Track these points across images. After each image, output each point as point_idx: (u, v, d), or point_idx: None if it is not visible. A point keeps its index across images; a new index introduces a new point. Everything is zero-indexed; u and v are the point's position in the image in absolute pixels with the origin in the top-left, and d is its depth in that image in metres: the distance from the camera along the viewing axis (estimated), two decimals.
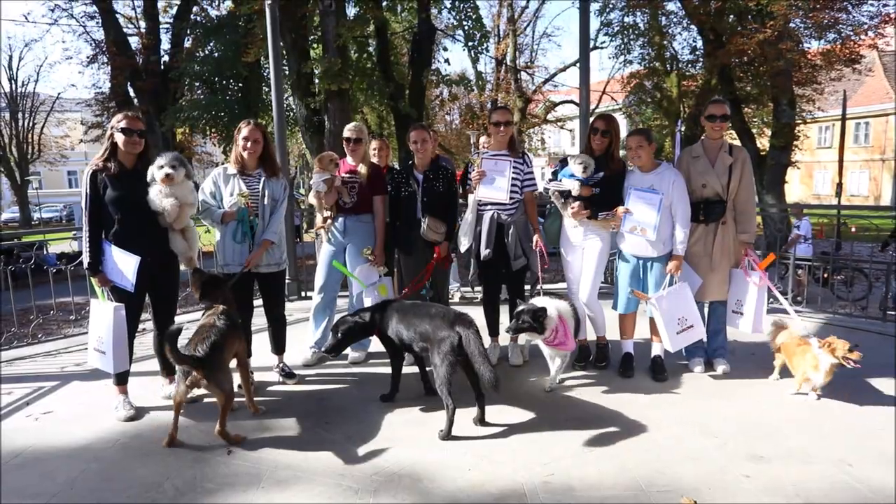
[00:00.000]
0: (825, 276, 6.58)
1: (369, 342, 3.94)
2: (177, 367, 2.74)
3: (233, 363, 3.07)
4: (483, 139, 5.20)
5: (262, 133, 3.32)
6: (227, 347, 2.85)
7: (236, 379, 3.18)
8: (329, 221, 3.79)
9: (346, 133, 3.75)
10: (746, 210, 3.44)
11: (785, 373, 3.35)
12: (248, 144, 3.24)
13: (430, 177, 3.66)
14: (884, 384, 3.32)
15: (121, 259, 2.92)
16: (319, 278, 3.87)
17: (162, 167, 2.92)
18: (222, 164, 3.51)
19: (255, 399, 3.14)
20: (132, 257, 2.90)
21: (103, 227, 2.96)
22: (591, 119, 3.52)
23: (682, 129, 9.19)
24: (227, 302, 3.05)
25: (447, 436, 2.73)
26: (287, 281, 5.63)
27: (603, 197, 3.41)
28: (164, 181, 2.92)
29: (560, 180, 3.48)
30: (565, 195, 3.46)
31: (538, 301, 3.18)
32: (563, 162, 3.60)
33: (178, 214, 2.99)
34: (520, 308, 3.11)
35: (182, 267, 3.23)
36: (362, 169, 3.74)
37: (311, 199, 3.82)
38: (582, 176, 3.37)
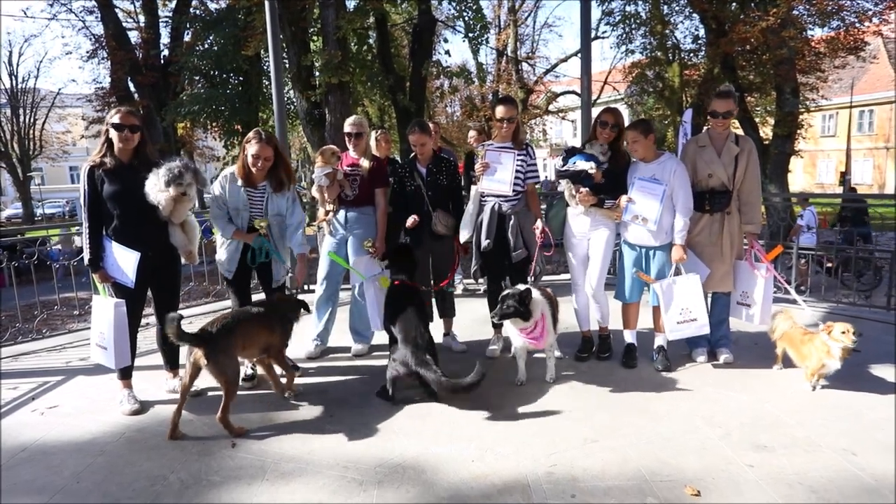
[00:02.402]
0: (829, 265, 6.56)
1: (372, 335, 3.96)
2: (186, 351, 2.78)
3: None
4: (472, 133, 5.16)
5: (274, 147, 3.16)
6: (242, 334, 2.87)
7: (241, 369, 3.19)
8: (331, 215, 3.79)
9: (347, 128, 3.74)
10: (751, 200, 3.42)
11: (787, 362, 3.34)
12: (259, 163, 3.12)
13: (433, 171, 3.69)
14: (887, 373, 3.31)
15: (121, 255, 2.92)
16: (322, 271, 3.88)
17: (181, 185, 2.89)
18: (223, 158, 3.48)
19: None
20: (132, 253, 2.90)
21: (103, 223, 2.96)
22: (600, 112, 3.48)
23: (688, 120, 9.04)
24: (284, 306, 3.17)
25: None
26: (290, 275, 5.65)
27: (608, 186, 3.40)
28: (180, 199, 2.92)
29: (574, 163, 3.43)
30: (581, 177, 3.40)
31: (527, 288, 3.10)
32: (569, 152, 3.58)
33: (175, 209, 2.98)
34: (506, 292, 3.04)
35: (183, 261, 3.23)
36: (364, 162, 3.74)
37: (314, 193, 3.83)
38: (602, 158, 3.37)
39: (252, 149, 3.11)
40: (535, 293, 3.09)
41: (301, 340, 3.89)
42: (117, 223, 2.94)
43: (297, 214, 3.35)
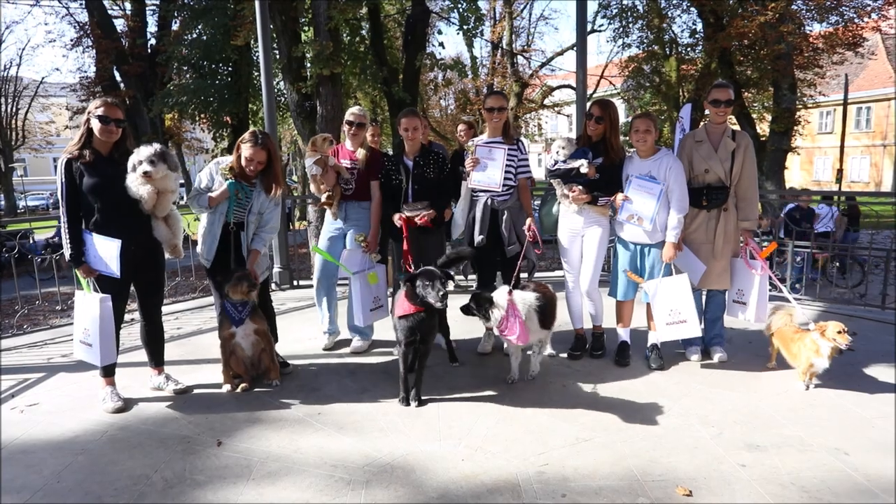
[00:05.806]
0: (822, 264, 6.54)
1: (372, 331, 3.90)
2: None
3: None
4: (461, 127, 5.09)
5: (269, 151, 3.08)
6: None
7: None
8: (334, 203, 3.65)
9: (350, 117, 3.64)
10: (748, 196, 3.38)
11: (781, 361, 3.32)
12: (252, 165, 3.06)
13: (420, 163, 3.57)
14: (880, 372, 3.30)
15: (102, 245, 2.83)
16: (317, 268, 3.86)
17: (141, 163, 2.79)
18: (212, 151, 3.39)
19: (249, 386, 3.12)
20: (113, 241, 2.81)
21: (82, 217, 2.87)
22: (588, 105, 3.45)
23: (686, 115, 8.97)
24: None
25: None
26: (278, 269, 5.59)
27: (602, 183, 3.35)
28: (143, 178, 2.81)
29: (566, 161, 3.39)
30: (572, 175, 3.35)
31: (500, 289, 3.10)
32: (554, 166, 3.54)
33: (158, 202, 2.90)
34: (475, 292, 3.09)
35: (168, 255, 3.15)
36: (360, 154, 3.66)
37: (312, 188, 3.74)
38: (561, 157, 3.34)
39: (245, 150, 3.05)
40: (498, 294, 3.04)
41: (294, 336, 3.84)
42: (98, 217, 2.85)
43: (275, 219, 3.29)
